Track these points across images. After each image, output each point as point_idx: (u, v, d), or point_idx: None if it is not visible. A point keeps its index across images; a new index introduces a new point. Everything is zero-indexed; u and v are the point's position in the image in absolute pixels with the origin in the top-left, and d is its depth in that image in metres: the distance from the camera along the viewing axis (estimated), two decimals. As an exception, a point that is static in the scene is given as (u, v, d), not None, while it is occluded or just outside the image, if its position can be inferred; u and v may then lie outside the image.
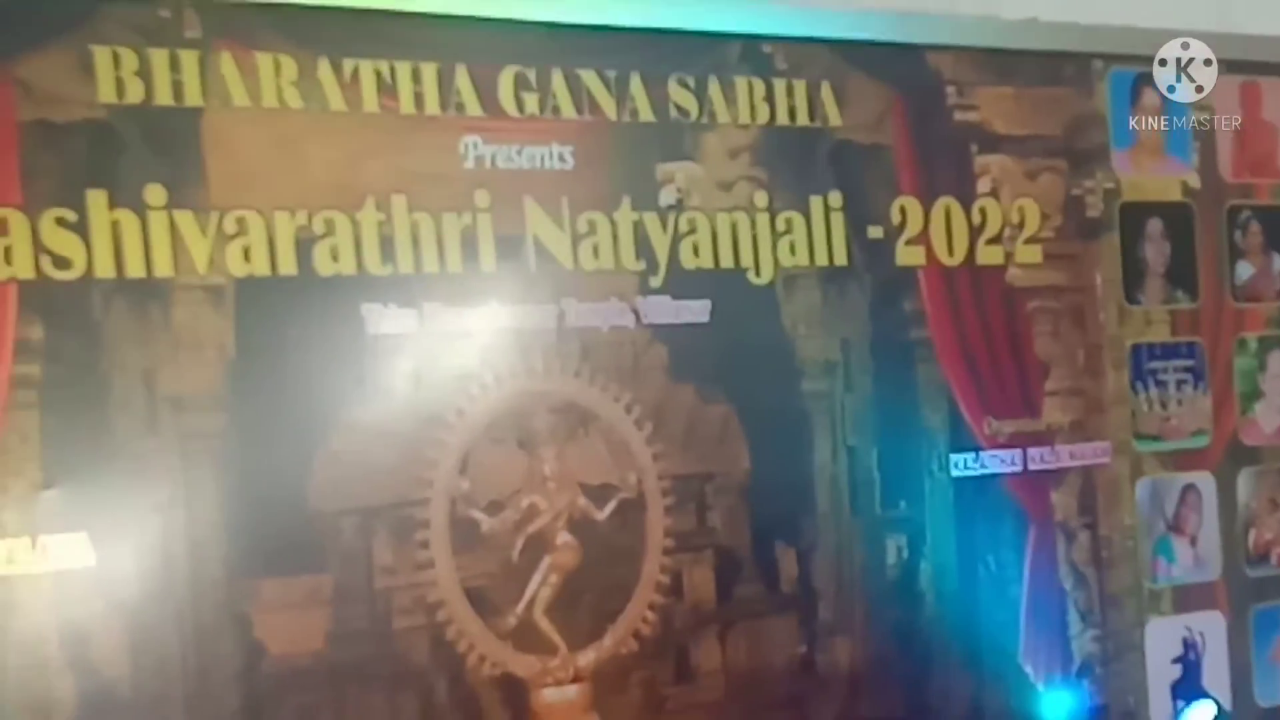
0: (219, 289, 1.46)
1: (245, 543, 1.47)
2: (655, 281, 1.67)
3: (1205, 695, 2.00)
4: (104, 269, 1.41)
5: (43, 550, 1.38)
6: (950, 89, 1.85)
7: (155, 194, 1.43)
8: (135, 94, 1.43)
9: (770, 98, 1.74)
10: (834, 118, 1.78)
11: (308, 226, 1.50)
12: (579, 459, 1.65)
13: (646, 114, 1.68)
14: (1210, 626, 2.03)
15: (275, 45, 1.49)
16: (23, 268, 1.38)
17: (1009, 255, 1.89)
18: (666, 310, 1.68)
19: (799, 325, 1.76)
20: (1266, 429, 2.09)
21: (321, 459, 1.51)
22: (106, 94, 1.42)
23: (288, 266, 1.49)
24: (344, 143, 1.53)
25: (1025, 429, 1.90)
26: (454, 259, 1.57)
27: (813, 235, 1.76)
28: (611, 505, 1.66)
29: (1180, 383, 2.01)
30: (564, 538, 1.63)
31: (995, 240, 1.88)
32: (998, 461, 1.88)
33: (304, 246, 1.50)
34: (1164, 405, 2.00)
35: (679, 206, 1.69)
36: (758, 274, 1.73)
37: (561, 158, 1.63)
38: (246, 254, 1.47)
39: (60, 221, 1.39)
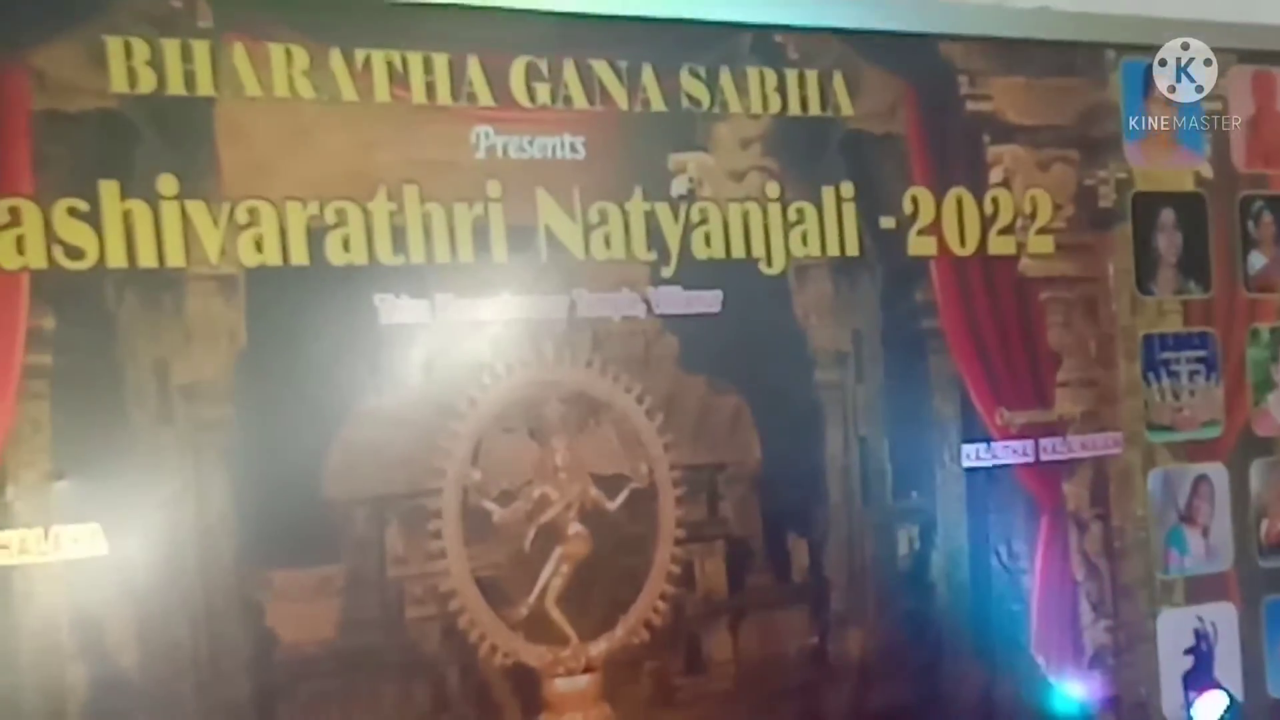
0: (231, 279, 1.46)
1: (257, 532, 1.47)
2: (667, 272, 1.67)
3: (1217, 686, 2.00)
4: (116, 259, 1.41)
5: (55, 540, 1.38)
6: (962, 79, 1.84)
7: (167, 184, 1.44)
8: (148, 84, 1.43)
9: (782, 88, 1.74)
10: (846, 108, 1.77)
11: (320, 216, 1.51)
12: (590, 449, 1.65)
13: (658, 104, 1.67)
14: (1222, 617, 2.03)
15: (287, 35, 1.49)
16: (35, 257, 1.38)
17: (1021, 245, 1.88)
18: (678, 300, 1.68)
19: (810, 315, 1.76)
20: (1279, 420, 2.08)
21: (333, 449, 1.51)
22: (119, 84, 1.42)
23: (300, 256, 1.49)
24: (356, 133, 1.53)
25: (1037, 419, 1.90)
26: (466, 249, 1.57)
27: (824, 225, 1.76)
28: (623, 495, 1.66)
29: (1193, 373, 2.01)
30: (575, 528, 1.64)
31: (1007, 230, 1.87)
32: (1009, 452, 1.88)
33: (316, 236, 1.50)
34: (1176, 396, 2.00)
35: (690, 196, 1.69)
36: (769, 264, 1.73)
37: (573, 148, 1.63)
38: (259, 244, 1.48)
39: (72, 211, 1.40)
